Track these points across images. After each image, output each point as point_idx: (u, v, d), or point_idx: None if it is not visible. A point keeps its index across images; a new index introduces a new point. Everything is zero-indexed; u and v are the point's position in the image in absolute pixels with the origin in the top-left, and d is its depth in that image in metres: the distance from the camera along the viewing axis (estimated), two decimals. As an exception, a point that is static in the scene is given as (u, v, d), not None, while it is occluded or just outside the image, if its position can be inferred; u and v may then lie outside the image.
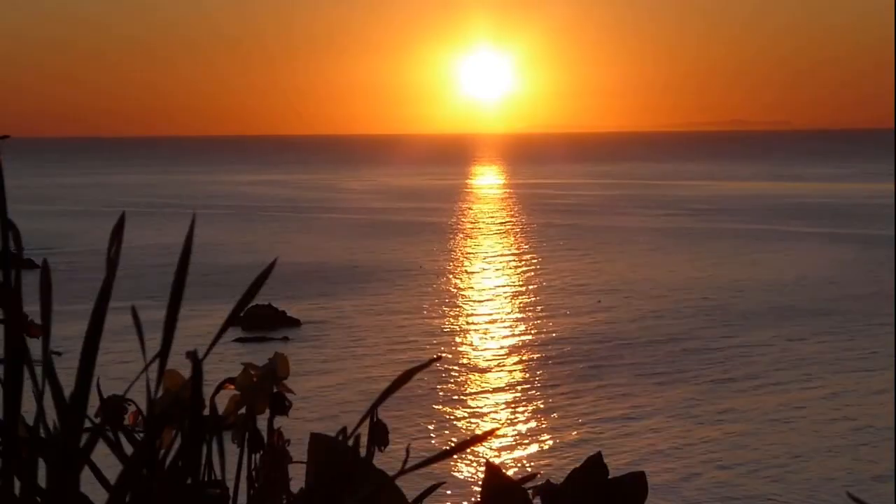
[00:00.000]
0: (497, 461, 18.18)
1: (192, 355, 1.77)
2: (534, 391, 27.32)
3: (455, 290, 42.37)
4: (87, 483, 1.92)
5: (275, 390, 2.32)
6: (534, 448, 22.77)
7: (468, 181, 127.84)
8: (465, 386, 27.49)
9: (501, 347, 32.21)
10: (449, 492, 18.68)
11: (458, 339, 32.95)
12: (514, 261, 52.65)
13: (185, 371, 1.99)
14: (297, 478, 2.35)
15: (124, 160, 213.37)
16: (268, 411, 2.32)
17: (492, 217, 77.91)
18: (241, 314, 2.48)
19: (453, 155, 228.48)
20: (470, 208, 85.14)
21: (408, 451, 2.08)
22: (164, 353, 1.83)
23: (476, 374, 28.81)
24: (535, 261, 52.33)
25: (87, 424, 1.88)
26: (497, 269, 49.35)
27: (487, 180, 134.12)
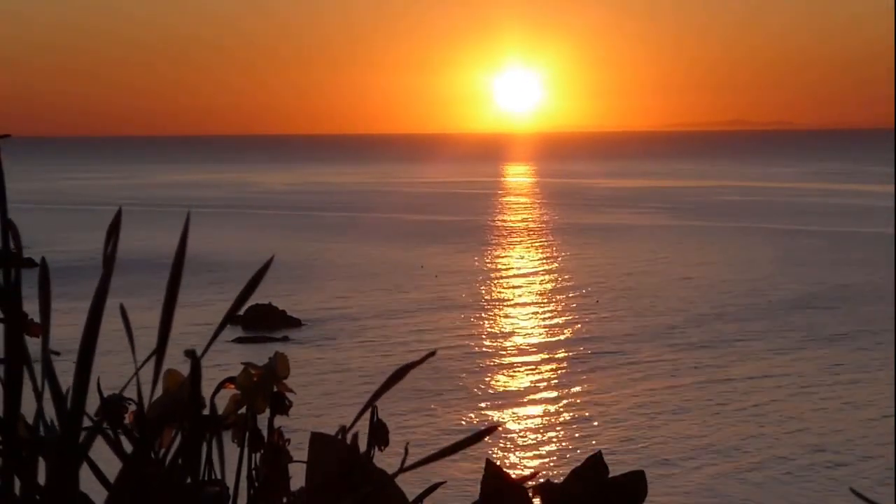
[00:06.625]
0: (497, 460, 18.18)
1: (190, 354, 1.77)
2: (533, 389, 27.32)
3: (455, 290, 42.35)
4: (88, 482, 1.92)
5: (275, 390, 2.32)
6: (534, 447, 22.78)
7: (475, 180, 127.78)
8: (465, 384, 27.48)
9: (500, 346, 32.21)
10: (449, 491, 18.66)
11: (457, 338, 32.94)
12: (513, 260, 52.66)
13: (185, 370, 1.99)
14: (297, 477, 2.35)
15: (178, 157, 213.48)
16: (268, 411, 2.32)
17: (494, 216, 77.91)
18: (241, 312, 2.48)
19: (481, 155, 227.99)
20: (473, 208, 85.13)
21: (406, 450, 2.08)
22: (160, 352, 1.82)
23: (475, 372, 28.81)
24: (533, 259, 52.34)
25: (87, 423, 1.88)
26: (497, 269, 49.34)
27: (498, 179, 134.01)
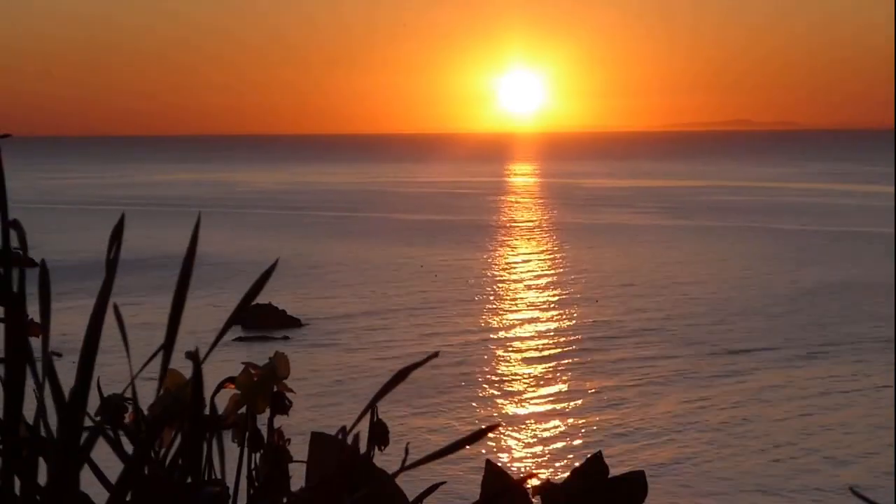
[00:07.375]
0: (497, 460, 18.19)
1: (192, 355, 1.77)
2: (533, 389, 27.32)
3: (454, 289, 42.35)
4: (88, 482, 1.93)
5: (275, 390, 2.32)
6: (534, 447, 22.78)
7: (477, 180, 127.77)
8: (465, 384, 27.48)
9: (500, 346, 32.20)
10: (449, 491, 18.67)
11: (458, 338, 32.94)
12: (513, 259, 52.66)
13: (186, 370, 2.00)
14: (297, 477, 2.35)
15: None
16: (268, 410, 2.32)
17: (495, 216, 77.90)
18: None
19: (483, 155, 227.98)
20: (473, 207, 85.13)
21: (407, 450, 2.08)
22: (167, 348, 1.83)
23: (475, 371, 28.81)
24: (534, 259, 52.34)
25: (88, 423, 1.88)
26: (497, 268, 49.34)
27: (501, 179, 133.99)
